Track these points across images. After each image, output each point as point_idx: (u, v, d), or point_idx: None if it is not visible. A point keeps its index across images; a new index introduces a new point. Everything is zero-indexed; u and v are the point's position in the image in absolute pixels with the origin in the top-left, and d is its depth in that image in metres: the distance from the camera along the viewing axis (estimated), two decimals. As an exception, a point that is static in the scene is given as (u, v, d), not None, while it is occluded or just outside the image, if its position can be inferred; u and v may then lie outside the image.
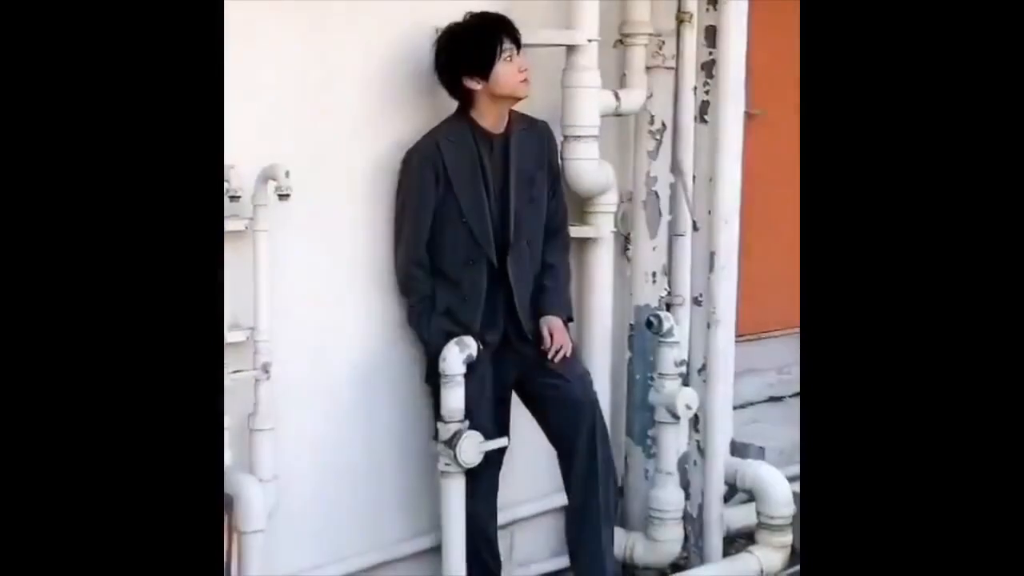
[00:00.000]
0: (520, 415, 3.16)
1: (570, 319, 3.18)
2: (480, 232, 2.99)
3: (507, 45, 2.95)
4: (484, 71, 2.94)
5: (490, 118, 3.02)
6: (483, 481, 3.03)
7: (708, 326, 3.28)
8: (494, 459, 3.02)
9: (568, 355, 3.10)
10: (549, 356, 3.06)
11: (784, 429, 4.08)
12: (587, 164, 3.28)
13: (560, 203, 3.19)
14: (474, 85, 2.97)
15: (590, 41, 3.23)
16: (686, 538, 3.40)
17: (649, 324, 3.28)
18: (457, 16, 3.00)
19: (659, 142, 3.49)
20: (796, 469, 3.67)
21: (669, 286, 3.64)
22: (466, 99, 3.01)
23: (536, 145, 3.11)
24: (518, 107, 3.07)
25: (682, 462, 3.39)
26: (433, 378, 2.98)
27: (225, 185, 2.57)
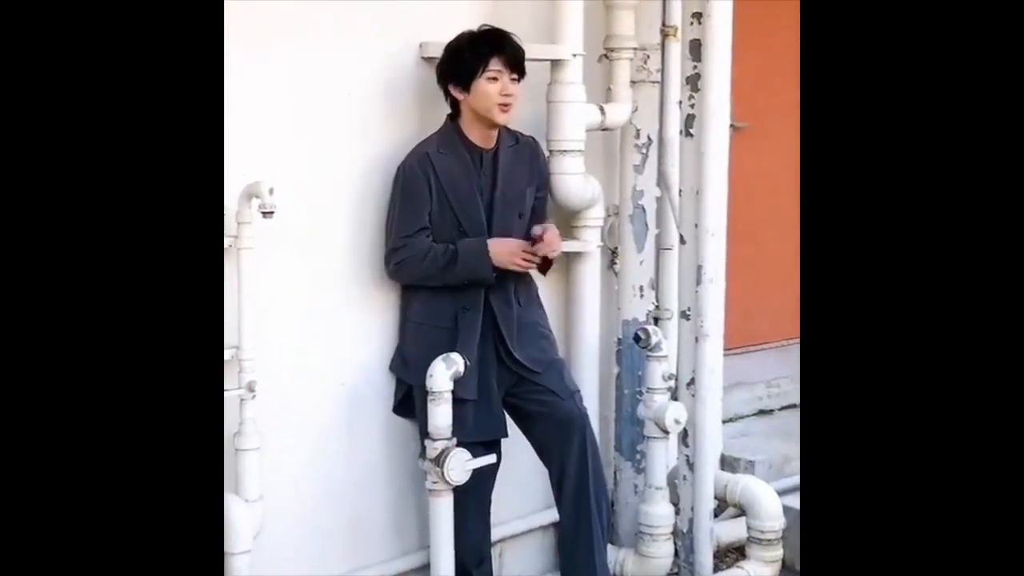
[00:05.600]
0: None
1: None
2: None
3: (496, 65, 2.92)
4: (465, 82, 2.93)
5: (476, 132, 3.00)
6: (475, 498, 3.00)
7: (696, 340, 3.27)
8: (486, 476, 3.00)
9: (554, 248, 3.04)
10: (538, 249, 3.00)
11: (774, 442, 4.07)
12: (573, 178, 3.27)
13: (544, 201, 3.18)
14: (457, 95, 2.97)
15: (575, 56, 3.23)
16: (676, 554, 3.38)
17: (637, 338, 3.28)
18: (442, 33, 2.99)
19: (645, 156, 3.50)
20: (786, 483, 3.67)
21: (657, 300, 3.63)
22: (455, 108, 3.01)
23: (525, 161, 3.10)
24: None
25: (672, 477, 3.38)
26: (417, 397, 2.96)
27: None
